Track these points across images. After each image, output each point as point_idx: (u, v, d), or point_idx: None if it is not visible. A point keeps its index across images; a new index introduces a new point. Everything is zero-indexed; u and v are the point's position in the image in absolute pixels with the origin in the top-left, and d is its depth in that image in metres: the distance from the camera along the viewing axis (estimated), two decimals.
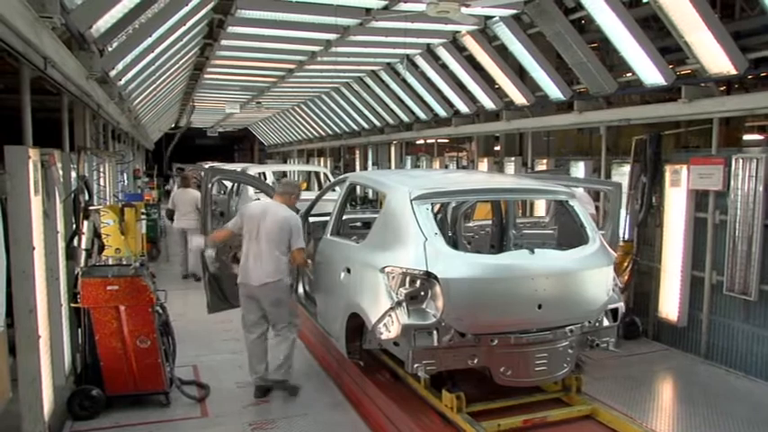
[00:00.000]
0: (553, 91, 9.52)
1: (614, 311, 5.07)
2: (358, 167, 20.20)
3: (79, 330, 5.57)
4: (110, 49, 6.74)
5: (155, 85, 11.59)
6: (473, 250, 6.49)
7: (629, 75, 8.52)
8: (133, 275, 5.50)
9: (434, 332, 4.47)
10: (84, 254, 5.79)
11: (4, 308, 3.70)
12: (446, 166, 15.10)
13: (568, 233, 5.41)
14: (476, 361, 4.64)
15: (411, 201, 4.80)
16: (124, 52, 7.19)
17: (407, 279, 4.56)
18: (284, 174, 22.63)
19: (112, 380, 5.51)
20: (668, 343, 7.61)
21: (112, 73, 7.55)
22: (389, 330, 4.55)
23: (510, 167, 11.02)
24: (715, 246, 7.05)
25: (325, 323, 6.05)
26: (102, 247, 6.21)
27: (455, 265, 4.55)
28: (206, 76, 14.11)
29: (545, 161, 10.27)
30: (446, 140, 17.09)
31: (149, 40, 7.35)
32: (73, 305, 5.48)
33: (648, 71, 7.57)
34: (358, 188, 13.47)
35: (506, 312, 4.62)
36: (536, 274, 4.62)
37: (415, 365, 4.52)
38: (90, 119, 7.86)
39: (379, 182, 5.95)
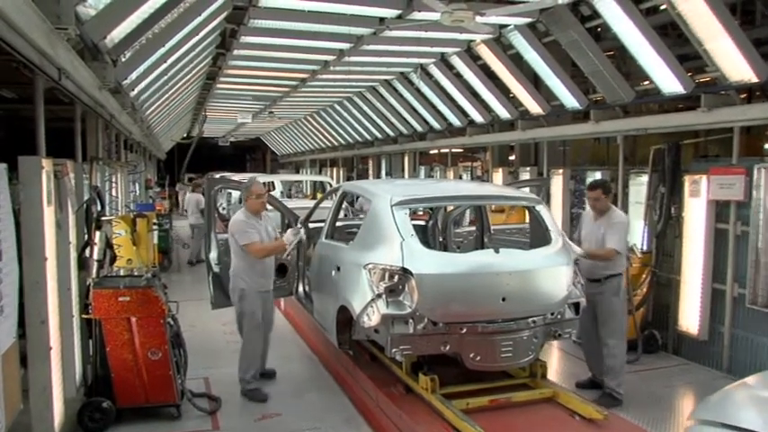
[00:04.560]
0: (569, 100, 9.50)
1: (576, 305, 5.59)
2: (371, 177, 20.26)
3: (90, 342, 5.58)
4: (123, 59, 6.79)
5: (167, 95, 11.68)
6: (463, 252, 7.04)
7: (646, 83, 8.51)
8: (145, 286, 5.52)
9: (410, 321, 5.04)
10: (95, 264, 5.79)
11: (16, 318, 3.73)
12: (460, 177, 15.12)
13: (537, 235, 5.93)
14: (447, 347, 5.17)
15: (392, 206, 5.37)
16: (137, 62, 7.25)
17: (387, 274, 5.13)
18: (298, 183, 22.91)
19: (123, 392, 5.52)
20: (688, 357, 7.51)
21: (125, 83, 7.59)
22: (371, 319, 5.12)
23: (525, 178, 10.94)
24: (737, 257, 6.96)
25: (319, 318, 6.54)
26: (113, 258, 6.21)
27: (428, 262, 5.16)
28: (218, 85, 14.17)
29: (561, 171, 10.24)
30: (460, 150, 17.09)
31: (162, 51, 7.41)
32: (84, 316, 5.50)
33: (666, 79, 7.53)
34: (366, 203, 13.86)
35: (473, 304, 5.17)
36: (500, 271, 5.19)
37: (393, 350, 5.10)
38: (102, 129, 7.93)
39: (367, 190, 6.50)
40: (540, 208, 5.91)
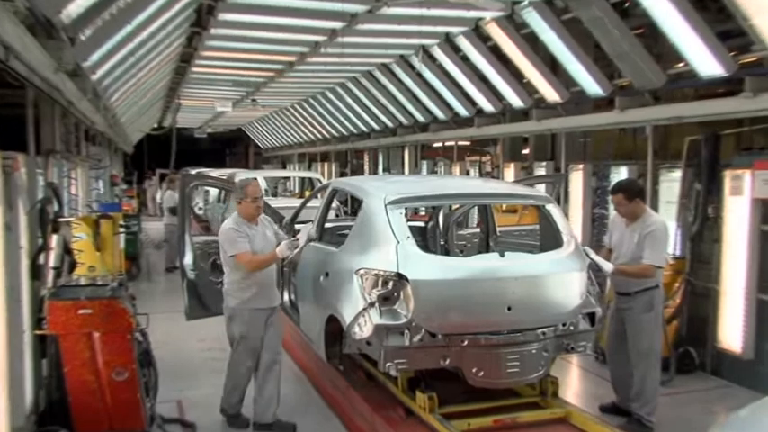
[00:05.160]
0: (591, 86, 9.45)
1: (591, 315, 5.69)
2: (367, 173, 20.31)
3: (44, 361, 5.50)
4: (82, 37, 6.66)
5: (135, 80, 11.62)
6: (465, 256, 7.23)
7: (680, 65, 8.44)
8: (110, 297, 5.49)
9: (405, 332, 5.12)
10: (52, 273, 5.74)
11: None
12: (467, 173, 15.13)
13: (547, 237, 6.05)
14: (447, 361, 5.26)
15: (386, 205, 5.49)
16: (99, 42, 7.14)
17: (380, 281, 5.22)
18: (284, 180, 22.93)
19: (83, 418, 5.43)
20: (730, 378, 7.41)
21: (86, 65, 7.50)
22: (362, 330, 5.19)
23: (540, 174, 11.08)
24: None
25: (306, 329, 6.65)
26: (73, 265, 6.19)
27: (425, 267, 5.27)
28: (194, 69, 14.16)
29: (581, 166, 10.23)
30: (467, 143, 17.14)
31: (128, 28, 7.33)
32: (37, 332, 5.41)
33: (704, 61, 7.44)
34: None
35: (475, 313, 5.29)
36: (504, 277, 5.31)
37: (387, 364, 5.16)
38: (59, 117, 7.88)
39: (358, 187, 6.59)
40: (551, 207, 6.01)
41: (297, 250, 5.91)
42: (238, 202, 6.01)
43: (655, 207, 8.45)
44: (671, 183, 8.43)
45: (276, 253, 5.84)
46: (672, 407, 6.59)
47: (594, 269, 5.91)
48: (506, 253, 5.59)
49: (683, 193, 8.04)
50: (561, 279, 5.53)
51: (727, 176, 7.38)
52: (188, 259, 6.71)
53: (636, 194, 6.15)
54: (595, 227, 9.99)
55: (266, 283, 6.04)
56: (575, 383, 7.49)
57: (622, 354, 6.22)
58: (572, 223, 9.92)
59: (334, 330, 5.70)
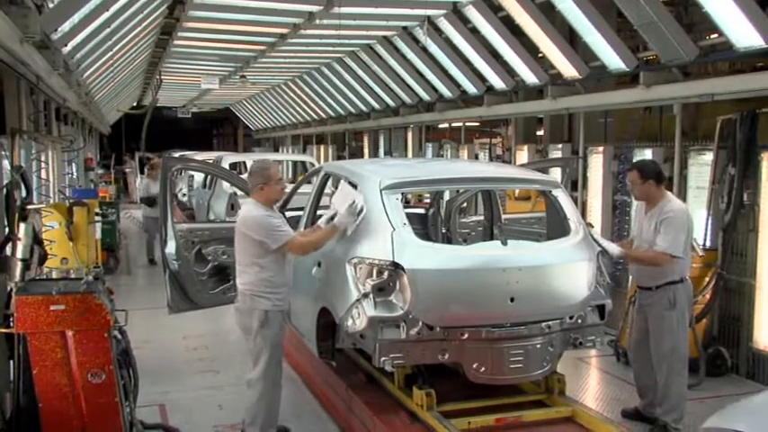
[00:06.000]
0: (613, 60, 9.38)
1: (601, 308, 5.81)
2: (366, 157, 20.37)
3: (11, 363, 5.45)
4: (51, 5, 6.68)
5: (111, 53, 11.64)
6: (467, 245, 7.48)
7: (714, 36, 8.40)
8: (84, 292, 5.37)
9: (402, 324, 5.23)
10: (20, 265, 5.67)
11: None
12: (476, 156, 15.13)
13: (554, 225, 6.19)
14: (446, 356, 5.38)
15: (381, 190, 5.61)
16: (70, 9, 7.10)
17: (374, 270, 5.35)
18: (278, 163, 22.94)
19: (54, 425, 5.36)
20: None
21: (55, 36, 7.48)
22: (356, 323, 5.33)
23: (555, 156, 10.94)
24: None
25: (297, 323, 6.76)
26: (44, 257, 6.13)
27: (422, 255, 5.37)
28: (176, 42, 14.19)
29: (601, 149, 10.19)
30: (476, 124, 17.10)
31: None
32: (3, 331, 5.37)
33: (742, 30, 7.31)
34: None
35: (476, 305, 5.41)
36: (507, 266, 5.39)
37: (382, 359, 5.26)
38: (27, 94, 7.88)
39: (352, 171, 6.63)
40: (558, 192, 6.13)
41: (360, 216, 5.66)
42: (260, 187, 5.73)
43: (683, 193, 8.43)
44: (701, 167, 8.36)
45: (335, 226, 5.70)
46: (701, 413, 6.45)
47: (605, 256, 6.00)
48: (509, 241, 5.75)
49: (714, 177, 7.99)
50: (568, 269, 5.63)
51: (766, 159, 7.31)
52: (171, 248, 6.75)
53: (651, 175, 6.12)
54: (617, 215, 9.95)
55: (290, 278, 5.93)
56: (594, 386, 7.49)
57: (647, 354, 6.20)
58: (591, 211, 10.05)
59: (327, 324, 5.78)
